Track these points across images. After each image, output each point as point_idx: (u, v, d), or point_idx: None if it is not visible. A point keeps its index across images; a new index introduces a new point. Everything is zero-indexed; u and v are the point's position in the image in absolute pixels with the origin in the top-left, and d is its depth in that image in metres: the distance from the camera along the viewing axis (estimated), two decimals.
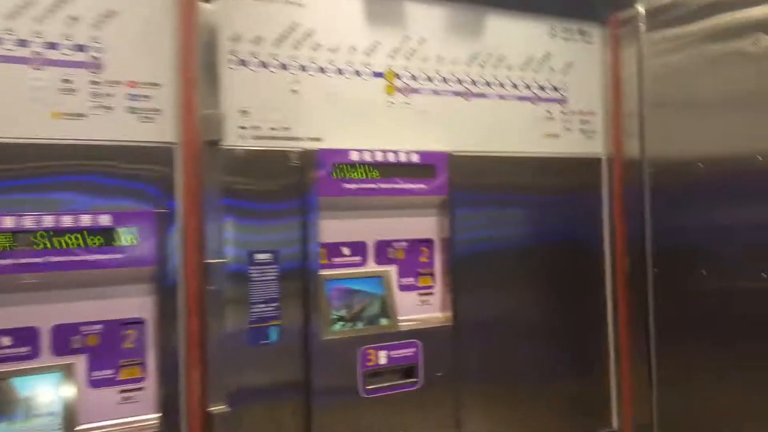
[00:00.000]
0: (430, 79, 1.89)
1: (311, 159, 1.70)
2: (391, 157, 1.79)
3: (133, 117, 1.48)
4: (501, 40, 2.00)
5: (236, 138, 1.63)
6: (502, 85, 2.00)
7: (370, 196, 1.76)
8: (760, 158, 1.73)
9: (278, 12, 1.69)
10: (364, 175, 1.75)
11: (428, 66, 1.89)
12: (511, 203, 2.00)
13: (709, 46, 1.86)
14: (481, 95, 1.96)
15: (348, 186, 1.73)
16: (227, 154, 1.61)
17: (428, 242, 1.90)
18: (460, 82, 1.93)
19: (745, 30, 1.76)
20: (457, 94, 1.93)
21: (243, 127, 1.64)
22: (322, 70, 1.74)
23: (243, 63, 1.64)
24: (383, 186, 1.78)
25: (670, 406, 2.01)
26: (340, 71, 1.76)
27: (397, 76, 1.84)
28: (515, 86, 2.02)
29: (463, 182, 1.90)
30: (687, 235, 1.95)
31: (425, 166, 1.84)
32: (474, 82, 1.95)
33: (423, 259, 1.90)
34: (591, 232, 2.15)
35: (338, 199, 1.73)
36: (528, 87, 2.04)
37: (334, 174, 1.72)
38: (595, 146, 2.17)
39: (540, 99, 2.06)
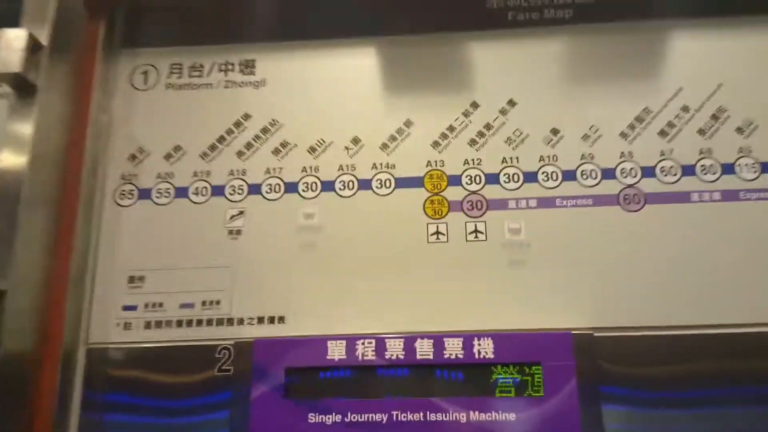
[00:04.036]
0: (532, 176, 0.88)
1: (246, 359, 0.81)
2: (422, 350, 0.78)
3: None
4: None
5: (118, 330, 0.86)
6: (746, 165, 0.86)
7: None
8: None
9: (212, 101, 0.97)
10: (359, 392, 0.78)
11: (529, 149, 0.89)
12: None
13: None
14: (677, 196, 0.85)
15: (318, 419, 0.77)
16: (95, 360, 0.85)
17: None
18: (627, 172, 0.87)
19: None
20: (603, 201, 0.86)
21: (130, 308, 0.87)
22: (289, 187, 0.91)
23: (144, 193, 0.93)
24: (410, 418, 0.76)
25: None
26: (327, 186, 0.90)
27: (452, 179, 0.89)
28: None
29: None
30: None
31: (514, 368, 0.77)
32: (666, 171, 0.86)
33: None
34: None
35: None
36: None
37: (288, 392, 0.78)
38: None
39: None
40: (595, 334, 0.77)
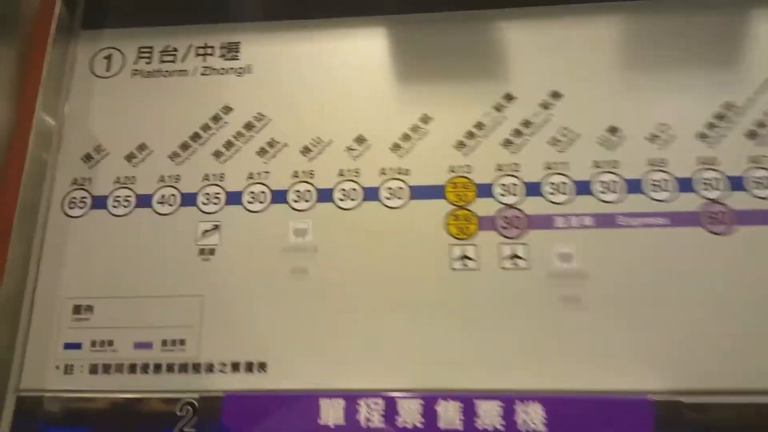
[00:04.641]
0: (585, 186, 0.69)
1: (215, 419, 0.63)
2: (447, 415, 0.59)
3: None
4: None
5: (57, 375, 0.68)
6: None
7: None
8: None
9: (186, 91, 0.79)
10: None
11: (581, 152, 0.71)
12: None
13: None
14: None
15: None
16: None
17: None
18: (710, 184, 0.68)
19: None
20: (680, 220, 0.67)
21: (73, 346, 0.69)
22: (277, 196, 0.73)
23: (98, 202, 0.75)
24: None
25: None
26: (323, 195, 0.72)
27: (482, 189, 0.70)
28: None
29: None
30: None
31: None
32: (760, 182, 0.67)
33: None
34: None
35: None
36: None
37: None
38: None
39: None
40: (684, 400, 0.58)
